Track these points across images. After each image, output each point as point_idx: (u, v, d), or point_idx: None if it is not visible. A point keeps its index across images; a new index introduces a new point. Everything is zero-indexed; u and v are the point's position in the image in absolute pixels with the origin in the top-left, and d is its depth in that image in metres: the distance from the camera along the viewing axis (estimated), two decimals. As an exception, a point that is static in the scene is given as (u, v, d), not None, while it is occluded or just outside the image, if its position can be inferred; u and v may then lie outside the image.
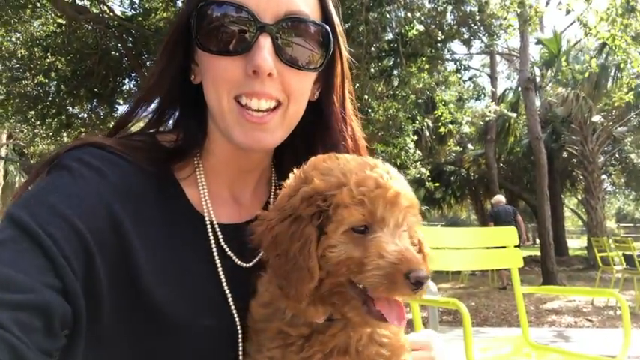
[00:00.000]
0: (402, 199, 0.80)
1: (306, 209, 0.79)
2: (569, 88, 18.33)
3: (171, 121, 1.15)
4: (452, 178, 27.29)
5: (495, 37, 12.25)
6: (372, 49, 10.83)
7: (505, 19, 11.38)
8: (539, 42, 18.89)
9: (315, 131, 1.16)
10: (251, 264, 1.06)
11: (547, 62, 18.79)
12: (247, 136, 0.99)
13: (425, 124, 18.62)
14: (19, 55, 12.79)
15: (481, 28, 11.50)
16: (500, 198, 14.47)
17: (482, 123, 19.42)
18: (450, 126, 14.93)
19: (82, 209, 0.86)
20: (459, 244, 3.40)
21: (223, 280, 1.02)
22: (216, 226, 1.05)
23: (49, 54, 12.29)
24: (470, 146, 24.22)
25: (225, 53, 0.97)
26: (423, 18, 10.95)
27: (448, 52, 13.38)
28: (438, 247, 3.36)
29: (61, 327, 0.76)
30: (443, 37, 11.28)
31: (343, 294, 0.80)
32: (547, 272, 13.51)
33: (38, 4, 11.64)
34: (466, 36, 12.13)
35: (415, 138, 15.39)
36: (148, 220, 0.95)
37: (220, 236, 1.05)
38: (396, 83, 13.22)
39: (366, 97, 11.00)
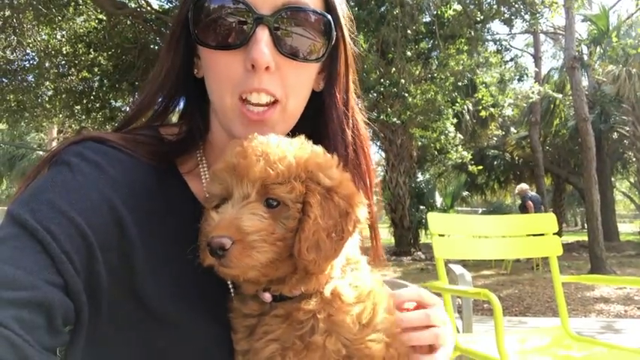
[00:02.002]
0: (254, 172, 0.80)
1: None
2: (620, 66, 17.42)
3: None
4: (495, 163, 26.58)
5: (538, 15, 11.74)
6: (409, 31, 10.61)
7: (548, -5, 10.89)
8: (586, 19, 18.03)
9: (315, 122, 1.12)
10: None
11: (595, 39, 17.92)
12: (247, 131, 0.96)
13: (465, 107, 18.20)
14: (64, 52, 13.28)
15: (522, 7, 11.02)
16: (524, 186, 14.67)
17: (525, 105, 18.74)
18: (492, 109, 14.51)
19: (82, 205, 0.85)
20: (494, 231, 3.29)
21: None
22: None
23: (91, 50, 12.71)
24: (513, 129, 23.50)
25: (223, 47, 0.95)
26: (459, -2, 10.62)
27: (488, 32, 12.93)
28: (473, 235, 3.27)
29: (64, 324, 0.76)
30: (482, 17, 10.91)
31: None
32: (595, 258, 12.96)
33: (80, 1, 12.02)
34: (507, 15, 11.67)
35: (455, 121, 15.05)
36: (150, 215, 0.94)
37: None
38: (434, 66, 12.94)
39: (403, 81, 10.80)
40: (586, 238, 15.50)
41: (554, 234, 3.21)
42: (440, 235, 3.01)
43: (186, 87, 1.07)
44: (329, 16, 1.01)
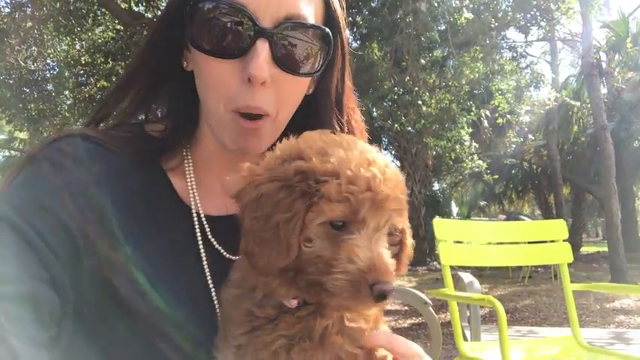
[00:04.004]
0: (391, 202, 0.75)
1: (300, 183, 0.74)
2: (640, 73, 17.11)
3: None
4: (512, 172, 26.21)
5: (555, 22, 11.62)
6: (422, 39, 10.57)
7: (564, 1, 10.76)
8: (604, 25, 17.76)
9: (310, 125, 1.12)
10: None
11: (614, 46, 17.63)
12: (238, 139, 0.97)
13: (483, 114, 18.04)
14: (83, 62, 13.54)
15: (538, 13, 10.92)
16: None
17: (542, 112, 18.51)
18: (508, 116, 14.34)
19: (64, 200, 0.85)
20: (502, 238, 3.23)
21: (207, 273, 0.99)
22: (203, 217, 1.02)
23: (109, 59, 12.93)
24: (530, 137, 23.18)
25: (220, 55, 0.93)
26: (474, 6, 10.55)
27: (502, 39, 12.82)
28: (480, 241, 3.21)
29: (51, 318, 0.76)
30: (496, 24, 10.83)
31: (316, 291, 0.76)
32: (615, 269, 12.65)
33: (99, 13, 12.27)
34: (522, 22, 11.57)
35: (470, 130, 14.92)
36: (132, 211, 0.94)
37: (207, 228, 1.02)
38: (449, 75, 12.87)
39: (417, 89, 10.76)
40: (606, 249, 15.19)
41: (564, 241, 3.13)
42: (447, 242, 2.96)
43: (171, 81, 1.06)
44: (328, 30, 0.99)
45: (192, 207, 1.02)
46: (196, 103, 1.05)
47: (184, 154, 1.06)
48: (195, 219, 1.01)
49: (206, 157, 1.07)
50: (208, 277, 0.99)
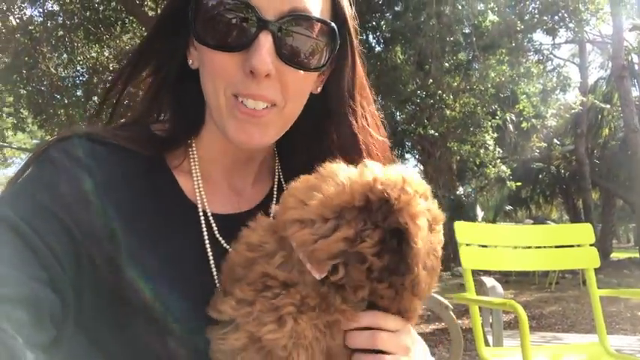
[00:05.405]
0: None
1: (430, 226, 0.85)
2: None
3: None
4: (540, 176, 25.69)
5: (583, 22, 11.36)
6: (446, 42, 10.47)
7: (594, 2, 10.53)
8: (634, 28, 17.30)
9: (323, 122, 1.10)
10: None
11: (645, 47, 17.15)
12: (240, 130, 0.95)
13: (508, 118, 17.74)
14: (111, 68, 13.81)
15: (566, 15, 10.70)
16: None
17: (567, 115, 18.10)
18: (533, 120, 14.06)
19: (65, 200, 0.85)
20: (526, 242, 3.17)
21: (215, 272, 0.97)
22: (210, 216, 1.00)
23: (136, 66, 13.18)
24: (555, 141, 22.68)
25: (223, 49, 0.93)
26: (498, 8, 10.39)
27: (529, 42, 12.59)
28: (503, 245, 3.15)
29: (51, 319, 0.76)
30: (522, 26, 10.65)
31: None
32: (648, 277, 12.29)
33: (126, 20, 12.53)
34: (550, 24, 11.34)
35: (495, 135, 14.68)
36: (135, 210, 0.93)
37: (214, 227, 1.00)
38: (474, 78, 12.70)
39: (440, 92, 10.66)
40: (637, 255, 14.73)
41: (590, 245, 3.06)
42: (469, 245, 2.93)
43: (178, 79, 1.05)
44: (334, 25, 0.98)
45: (199, 205, 1.00)
46: (202, 103, 1.04)
47: (190, 152, 1.04)
48: (202, 217, 1.00)
49: (213, 156, 1.05)
50: (216, 278, 0.96)
